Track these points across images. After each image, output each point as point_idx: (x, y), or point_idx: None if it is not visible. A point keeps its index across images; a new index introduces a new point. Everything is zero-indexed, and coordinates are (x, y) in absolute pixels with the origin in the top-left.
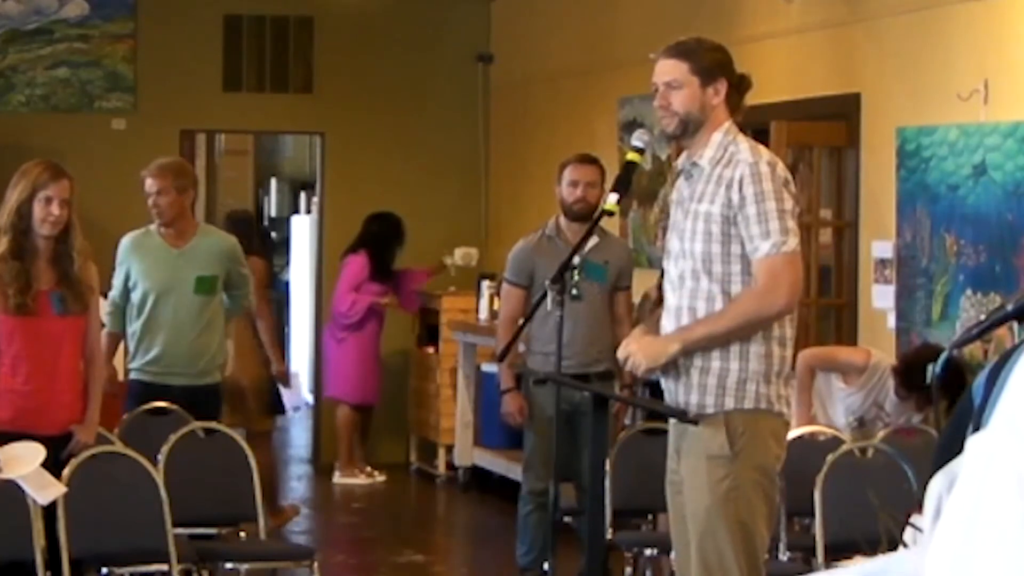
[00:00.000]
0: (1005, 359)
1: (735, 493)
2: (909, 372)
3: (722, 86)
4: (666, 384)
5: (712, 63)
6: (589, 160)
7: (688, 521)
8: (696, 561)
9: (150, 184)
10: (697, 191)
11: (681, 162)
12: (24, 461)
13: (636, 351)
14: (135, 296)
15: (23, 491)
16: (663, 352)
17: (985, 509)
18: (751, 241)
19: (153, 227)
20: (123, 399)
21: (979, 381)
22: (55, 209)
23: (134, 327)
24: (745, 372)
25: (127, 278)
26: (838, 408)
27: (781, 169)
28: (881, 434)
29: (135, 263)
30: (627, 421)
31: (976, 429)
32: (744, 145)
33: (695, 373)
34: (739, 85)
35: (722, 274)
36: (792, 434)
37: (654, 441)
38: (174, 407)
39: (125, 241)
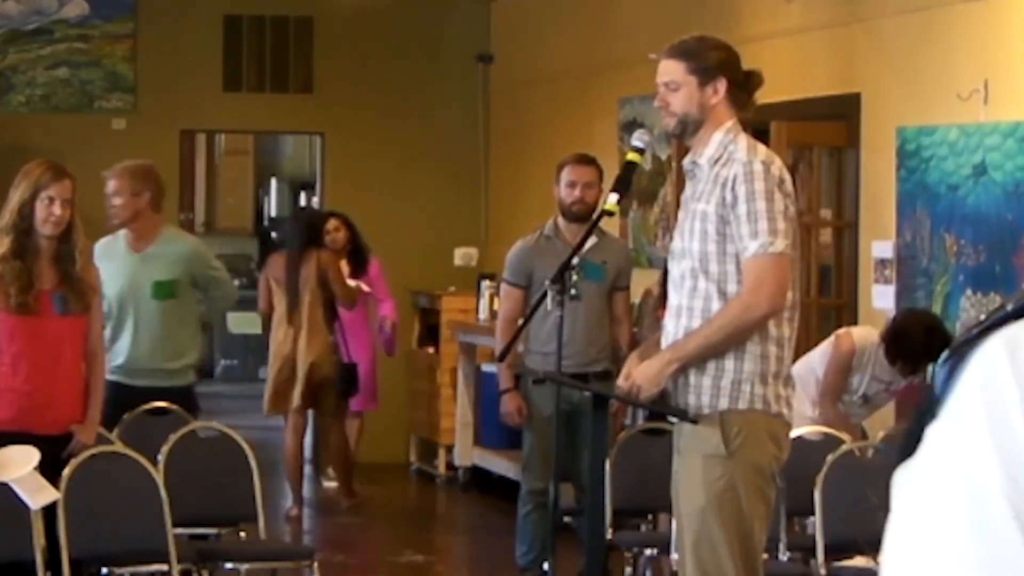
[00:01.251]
0: (965, 348)
1: (730, 493)
2: (893, 341)
3: (721, 85)
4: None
5: (712, 62)
6: (587, 160)
7: (683, 521)
8: (691, 561)
9: (108, 186)
10: (697, 190)
11: (685, 163)
12: (18, 464)
13: (636, 379)
14: (105, 300)
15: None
16: (661, 373)
17: (932, 504)
18: (740, 240)
19: (122, 232)
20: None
21: (939, 371)
22: (56, 209)
23: (106, 331)
24: (740, 372)
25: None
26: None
27: (776, 168)
28: (881, 434)
29: (103, 268)
30: (627, 421)
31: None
32: (743, 144)
33: (691, 374)
34: (746, 82)
35: (718, 273)
36: (792, 434)
37: (654, 441)
38: (174, 407)
39: (96, 247)
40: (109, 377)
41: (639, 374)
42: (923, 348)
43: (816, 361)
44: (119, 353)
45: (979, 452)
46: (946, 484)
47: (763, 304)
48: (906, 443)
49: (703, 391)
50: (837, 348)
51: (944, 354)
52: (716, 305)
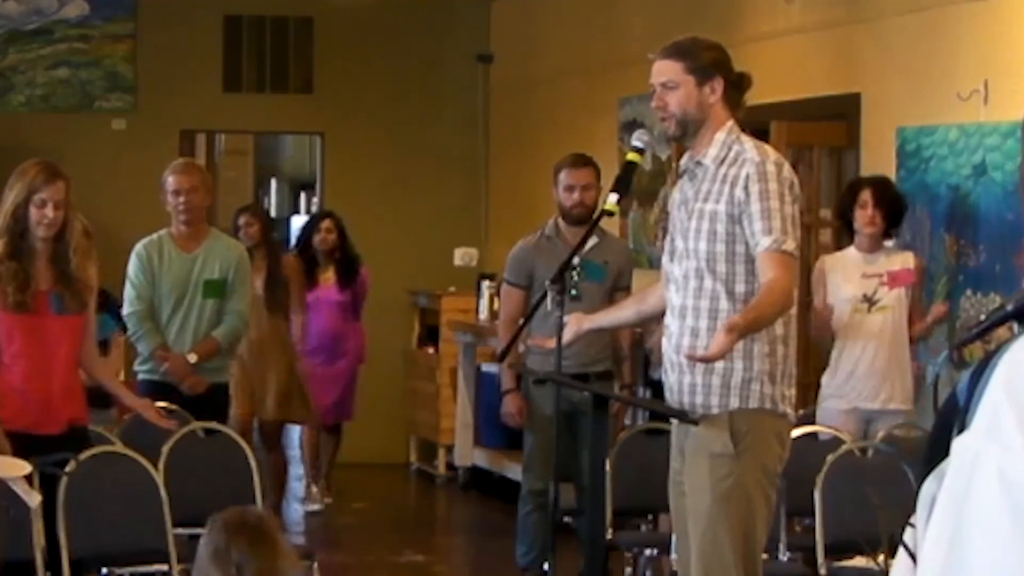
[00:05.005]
0: (988, 360)
1: (737, 492)
2: (839, 207)
3: (718, 84)
4: (668, 385)
5: (707, 61)
6: (583, 162)
7: (689, 519)
8: (696, 559)
9: (180, 181)
10: (702, 190)
11: (684, 162)
12: (5, 467)
13: (714, 352)
14: (155, 297)
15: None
16: (729, 344)
17: (971, 512)
18: (753, 236)
19: (163, 233)
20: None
21: (963, 383)
22: (49, 212)
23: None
24: (750, 372)
25: (144, 285)
26: (844, 308)
27: (787, 171)
28: (881, 433)
29: (153, 267)
30: (627, 422)
31: (961, 431)
32: (750, 144)
33: (699, 374)
34: (738, 83)
35: (726, 273)
36: (792, 434)
37: (655, 441)
38: (174, 407)
39: (140, 247)
40: (148, 377)
41: (715, 347)
42: (843, 198)
43: None
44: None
45: (1015, 458)
46: (985, 493)
47: (793, 292)
48: (931, 454)
49: (712, 391)
50: (814, 281)
51: (943, 355)
52: (724, 304)
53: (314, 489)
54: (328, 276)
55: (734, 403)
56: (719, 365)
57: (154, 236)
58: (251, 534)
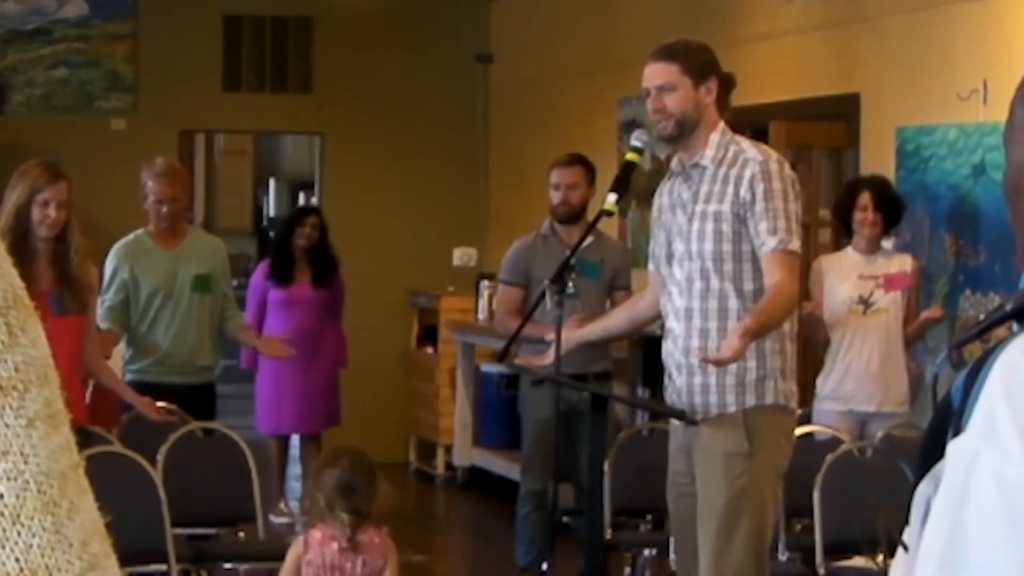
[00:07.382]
0: (983, 361)
1: (752, 490)
2: (837, 208)
3: (713, 85)
4: (675, 388)
5: (702, 63)
6: (571, 161)
7: (701, 518)
8: (709, 558)
9: (164, 192)
10: (702, 192)
11: (675, 164)
12: None
13: (727, 355)
14: (134, 299)
15: None
16: (743, 346)
17: (967, 515)
18: (759, 236)
19: (141, 232)
20: (118, 399)
21: (957, 384)
22: (52, 212)
23: (132, 330)
24: (763, 369)
25: (122, 282)
26: (840, 309)
27: (788, 169)
28: (880, 434)
29: (134, 267)
30: (627, 422)
31: (956, 433)
32: (747, 144)
33: (712, 374)
34: (727, 84)
35: (733, 272)
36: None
37: (654, 441)
38: (173, 407)
39: (118, 248)
40: (138, 378)
41: (729, 351)
42: (841, 199)
43: None
44: (153, 350)
45: (1012, 461)
46: (981, 496)
47: (797, 292)
48: (925, 455)
49: (727, 390)
50: (812, 281)
51: (941, 356)
52: (734, 303)
53: (282, 505)
54: (304, 274)
55: (750, 401)
56: (732, 364)
57: (131, 236)
58: (367, 471)
